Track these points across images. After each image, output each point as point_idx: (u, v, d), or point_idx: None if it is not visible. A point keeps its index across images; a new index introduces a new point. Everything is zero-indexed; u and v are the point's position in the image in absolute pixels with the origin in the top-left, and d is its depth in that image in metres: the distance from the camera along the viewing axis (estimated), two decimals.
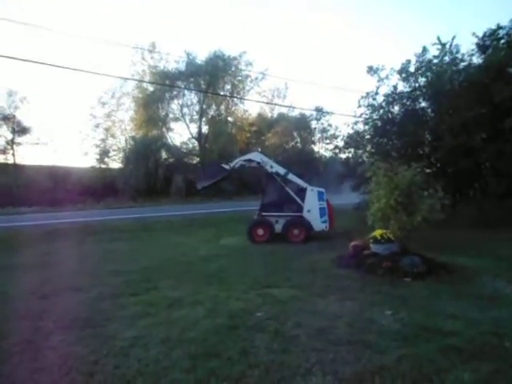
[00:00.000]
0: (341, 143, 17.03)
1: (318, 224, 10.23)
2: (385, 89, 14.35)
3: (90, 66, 41.76)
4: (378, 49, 65.63)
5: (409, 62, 13.79)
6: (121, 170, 31.48)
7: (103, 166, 33.26)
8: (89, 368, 3.32)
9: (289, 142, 42.77)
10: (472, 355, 3.36)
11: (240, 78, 36.00)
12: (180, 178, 29.97)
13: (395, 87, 14.09)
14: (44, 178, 28.26)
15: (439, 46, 13.56)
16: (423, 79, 13.53)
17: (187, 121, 35.50)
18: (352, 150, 15.77)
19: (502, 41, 12.39)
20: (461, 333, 3.84)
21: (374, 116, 14.64)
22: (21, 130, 28.30)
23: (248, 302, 4.99)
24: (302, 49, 69.36)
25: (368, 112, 14.54)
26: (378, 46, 66.92)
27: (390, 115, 14.38)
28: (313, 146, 43.66)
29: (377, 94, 14.32)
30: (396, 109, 14.18)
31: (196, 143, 35.80)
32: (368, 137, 15.17)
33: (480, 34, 12.67)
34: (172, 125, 36.02)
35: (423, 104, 14.09)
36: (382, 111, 14.39)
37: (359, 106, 14.66)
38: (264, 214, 10.46)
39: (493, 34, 12.44)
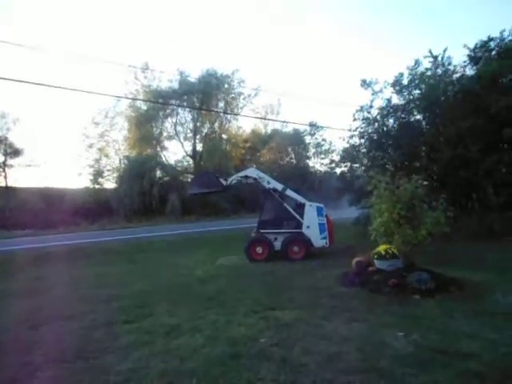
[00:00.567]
0: (336, 157, 16.96)
1: (318, 240, 9.98)
2: (379, 102, 14.37)
3: (82, 86, 41.67)
4: (371, 62, 66.92)
5: (401, 74, 13.84)
6: (115, 189, 31.14)
7: (97, 186, 32.91)
8: None
9: (284, 158, 42.85)
10: (495, 381, 3.11)
11: (233, 95, 36.18)
12: (175, 197, 29.66)
13: (389, 100, 14.10)
14: (37, 199, 27.87)
15: (431, 59, 13.66)
16: (417, 91, 13.54)
17: (181, 139, 35.52)
18: (348, 163, 15.65)
19: (493, 52, 12.47)
20: (479, 355, 3.58)
21: (370, 129, 14.57)
22: (13, 152, 28.03)
23: (250, 326, 4.70)
24: (295, 64, 70.35)
25: (363, 125, 14.48)
26: (370, 59, 68.17)
27: (385, 128, 14.32)
28: (307, 161, 43.74)
29: (371, 107, 14.31)
30: (391, 122, 14.14)
31: (191, 161, 35.68)
32: (364, 150, 15.08)
33: (471, 46, 12.76)
34: (166, 143, 36.00)
35: (418, 116, 14.07)
36: (376, 124, 14.33)
37: (354, 120, 14.64)
38: (262, 231, 10.20)
39: (484, 46, 12.52)
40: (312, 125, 38.13)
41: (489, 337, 4.02)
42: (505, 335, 4.06)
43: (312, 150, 43.27)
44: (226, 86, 35.37)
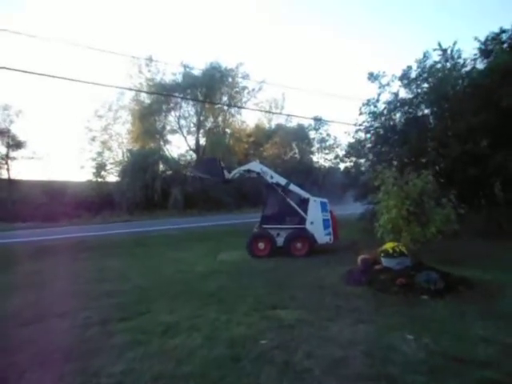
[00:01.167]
0: (341, 153, 16.69)
1: (322, 236, 9.73)
2: (386, 96, 14.05)
3: (86, 78, 41.40)
4: (379, 56, 65.84)
5: (410, 68, 13.50)
6: (117, 183, 30.96)
7: (100, 179, 32.72)
8: None
9: (287, 153, 42.53)
10: None
11: (237, 89, 35.83)
12: (178, 191, 29.47)
13: (396, 94, 13.76)
14: (39, 192, 27.77)
15: (440, 52, 13.29)
16: (425, 85, 13.18)
17: (184, 133, 35.24)
18: (353, 159, 15.37)
19: (505, 45, 12.09)
20: (497, 362, 3.35)
21: (376, 124, 14.26)
22: (16, 145, 27.83)
23: (251, 326, 4.47)
24: (300, 58, 69.63)
25: (369, 120, 14.17)
26: (378, 52, 67.10)
27: (391, 123, 14.01)
28: (311, 156, 43.37)
29: (378, 101, 13.99)
30: (398, 116, 13.81)
31: (194, 155, 35.41)
32: (369, 145, 14.78)
33: (482, 39, 12.39)
34: (169, 137, 35.72)
35: (426, 111, 13.72)
36: (383, 119, 14.02)
37: (360, 114, 14.33)
38: (265, 226, 9.96)
39: (495, 38, 12.14)
40: (317, 119, 37.74)
41: (505, 341, 3.78)
42: None
43: (316, 145, 42.92)
44: (230, 79, 35.03)
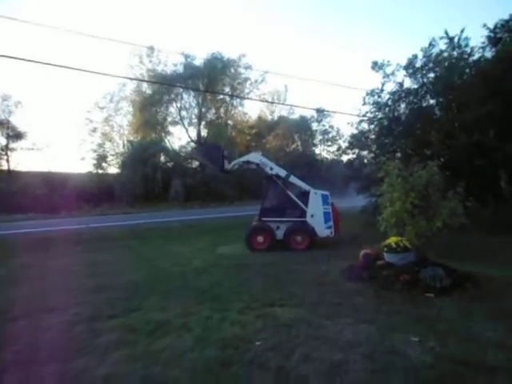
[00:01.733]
0: (344, 144, 16.36)
1: (323, 230, 9.45)
2: (390, 86, 13.68)
3: (87, 68, 40.91)
4: (383, 45, 64.57)
5: (415, 56, 13.09)
6: (118, 174, 30.78)
7: (100, 171, 32.51)
8: None
9: (290, 145, 42.14)
10: None
11: (239, 80, 35.38)
12: (179, 183, 29.24)
13: (401, 84, 13.38)
14: (40, 183, 27.59)
15: (447, 40, 12.87)
16: (431, 75, 12.79)
17: (186, 124, 34.94)
18: (356, 150, 15.03)
19: None
20: (509, 368, 3.07)
21: (380, 115, 13.90)
22: (15, 136, 27.64)
23: (245, 326, 4.22)
24: (303, 48, 68.63)
25: (373, 110, 13.80)
26: (382, 41, 65.90)
27: (395, 113, 13.66)
28: (314, 148, 42.98)
29: (382, 91, 13.62)
30: (402, 107, 13.44)
31: (195, 146, 35.08)
32: (373, 137, 14.44)
33: (491, 26, 11.95)
34: (171, 129, 35.49)
35: (432, 101, 13.34)
36: (387, 109, 13.65)
37: (364, 104, 13.97)
38: (264, 219, 9.68)
39: (505, 26, 11.71)
40: (319, 110, 37.21)
41: None
42: None
43: (319, 137, 42.49)
44: (232, 71, 34.58)
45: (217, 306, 4.95)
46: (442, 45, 12.88)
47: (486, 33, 12.15)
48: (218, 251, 9.77)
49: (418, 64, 13.05)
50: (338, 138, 39.31)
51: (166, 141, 34.67)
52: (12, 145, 27.72)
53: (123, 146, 34.34)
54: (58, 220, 19.59)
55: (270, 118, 43.92)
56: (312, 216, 9.46)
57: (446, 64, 12.39)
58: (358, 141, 14.70)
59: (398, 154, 13.25)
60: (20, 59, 10.54)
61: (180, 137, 36.68)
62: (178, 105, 34.46)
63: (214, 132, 33.73)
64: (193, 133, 35.16)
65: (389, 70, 13.49)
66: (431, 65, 12.81)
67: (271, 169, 9.71)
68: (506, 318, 4.20)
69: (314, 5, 62.37)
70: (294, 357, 3.41)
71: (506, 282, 5.62)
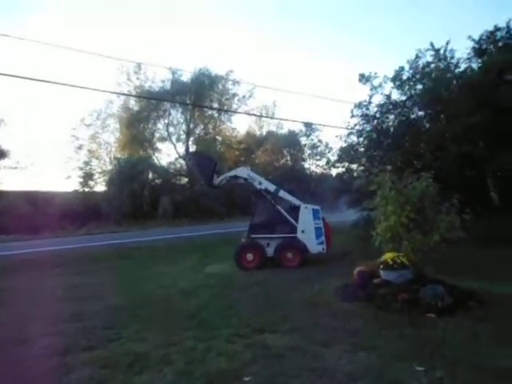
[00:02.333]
0: (333, 158, 16.16)
1: (314, 246, 9.11)
2: (378, 98, 13.55)
3: (72, 85, 40.53)
4: (369, 58, 65.39)
5: (402, 68, 13.02)
6: (105, 192, 30.14)
7: (87, 189, 31.83)
8: None
9: (279, 160, 42.00)
10: None
11: (227, 96, 35.36)
12: (167, 200, 28.70)
13: (389, 96, 13.28)
14: (23, 203, 26.76)
15: (433, 52, 12.89)
16: (419, 86, 12.74)
17: (174, 140, 34.63)
18: (346, 164, 14.81)
19: (500, 43, 11.71)
20: None
21: (368, 127, 13.76)
22: None
23: (233, 357, 3.82)
24: (291, 63, 69.33)
25: (362, 122, 13.66)
26: (368, 54, 66.77)
27: (384, 126, 13.53)
28: (303, 162, 42.90)
29: (370, 103, 13.47)
30: (391, 118, 13.32)
31: (184, 163, 34.74)
32: (362, 149, 14.26)
33: (476, 38, 12.00)
34: (159, 145, 35.10)
35: (420, 113, 13.26)
36: (375, 122, 13.51)
37: (352, 116, 13.78)
38: (253, 236, 9.31)
39: (490, 37, 11.76)
40: (307, 125, 37.27)
41: None
42: None
43: (308, 152, 42.47)
44: (220, 86, 34.57)
45: (202, 334, 4.55)
46: (428, 57, 12.89)
47: (471, 44, 12.20)
48: (206, 270, 9.35)
49: (405, 76, 13.00)
50: (326, 151, 39.31)
51: (154, 157, 34.28)
52: None
53: (110, 163, 33.81)
54: (40, 241, 18.91)
55: (258, 133, 43.87)
56: (303, 231, 9.13)
57: (433, 75, 12.35)
58: (346, 154, 14.48)
59: (389, 167, 13.06)
60: (2, 74, 10.15)
61: (168, 153, 36.17)
62: (166, 121, 34.24)
63: (202, 147, 33.40)
64: (181, 149, 34.90)
65: (376, 82, 13.40)
66: (418, 76, 12.77)
67: (260, 183, 9.40)
68: None
69: (301, 18, 63.27)
70: None
71: (511, 300, 5.31)
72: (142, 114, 32.44)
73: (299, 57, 68.63)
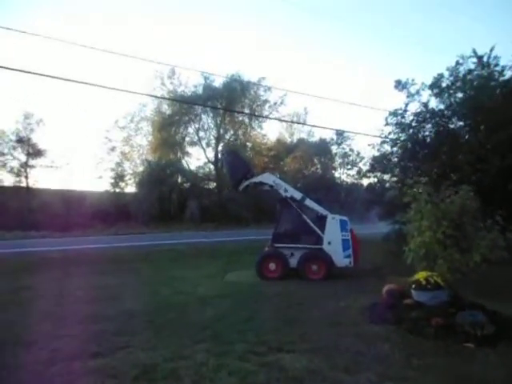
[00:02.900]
0: (364, 167, 15.61)
1: (341, 259, 8.66)
2: (415, 106, 12.96)
3: (109, 87, 41.73)
4: (407, 64, 63.48)
5: (441, 75, 12.40)
6: (134, 194, 30.63)
7: (118, 190, 32.47)
8: None
9: (309, 168, 41.41)
10: None
11: (259, 103, 35.30)
12: (194, 204, 28.81)
13: (426, 104, 12.66)
14: (57, 201, 27.61)
15: (475, 59, 12.20)
16: (459, 95, 12.07)
17: (204, 145, 34.79)
18: (378, 174, 14.25)
19: None
20: None
21: (403, 136, 13.17)
22: (35, 153, 27.88)
23: (246, 377, 3.50)
24: (325, 70, 68.48)
25: (396, 131, 13.09)
26: (406, 60, 64.92)
27: (420, 136, 12.91)
28: (333, 171, 42.11)
29: (406, 111, 12.91)
30: (428, 127, 12.69)
31: (213, 167, 34.88)
32: (396, 159, 13.67)
33: None
34: (189, 149, 35.35)
35: (460, 122, 12.55)
36: (411, 131, 12.92)
37: (386, 124, 13.24)
38: (277, 245, 8.98)
39: None
40: (339, 132, 36.60)
41: None
42: None
43: (338, 161, 41.68)
44: (252, 93, 34.57)
45: (215, 348, 4.26)
46: (470, 64, 12.22)
47: None
48: (228, 278, 9.10)
49: (445, 83, 12.37)
50: (358, 160, 38.43)
51: (184, 161, 34.57)
52: (31, 162, 27.92)
53: (142, 165, 34.39)
54: (70, 239, 19.31)
55: (289, 140, 43.52)
56: (329, 243, 8.71)
57: (475, 83, 11.68)
58: (379, 163, 13.94)
59: (423, 179, 12.43)
60: (41, 75, 10.30)
61: (198, 157, 36.40)
62: (197, 125, 34.48)
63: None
64: (211, 154, 35.04)
65: (413, 90, 12.84)
66: (458, 84, 12.11)
67: (285, 190, 9.07)
68: None
69: (336, 23, 62.67)
70: None
71: None
72: (174, 118, 32.83)
73: (334, 63, 67.74)
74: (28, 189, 27.56)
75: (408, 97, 12.77)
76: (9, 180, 27.52)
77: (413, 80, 12.88)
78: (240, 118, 35.66)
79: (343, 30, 66.40)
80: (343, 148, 40.30)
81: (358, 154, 37.62)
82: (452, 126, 12.86)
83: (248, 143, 36.95)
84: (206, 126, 34.83)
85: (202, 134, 34.66)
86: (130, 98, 53.84)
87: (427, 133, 12.98)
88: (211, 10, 58.26)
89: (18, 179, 27.58)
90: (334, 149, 40.89)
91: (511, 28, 57.05)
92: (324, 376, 3.52)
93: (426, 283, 5.10)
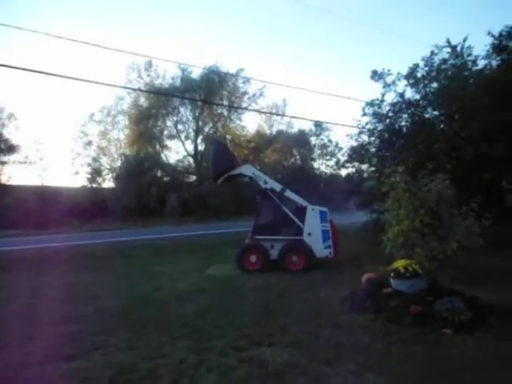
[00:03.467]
0: (342, 158, 15.72)
1: (321, 249, 8.69)
2: (391, 96, 13.03)
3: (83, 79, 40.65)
4: (383, 54, 63.78)
5: (416, 66, 12.47)
6: (112, 189, 30.03)
7: (95, 185, 31.76)
8: None
9: (288, 159, 41.53)
10: None
11: (237, 94, 35.00)
12: (174, 198, 28.43)
13: (402, 94, 12.75)
14: (32, 198, 26.79)
15: (449, 49, 12.34)
16: (434, 85, 12.20)
17: (183, 138, 34.36)
18: (356, 164, 14.34)
19: None
20: None
21: (380, 127, 13.26)
22: (7, 149, 26.96)
23: (225, 374, 3.44)
24: (301, 61, 68.15)
25: (373, 121, 13.17)
26: (382, 50, 65.13)
27: (396, 126, 13.02)
28: (313, 162, 42.36)
29: (382, 101, 12.96)
30: (404, 117, 12.80)
31: (192, 161, 34.51)
32: (373, 149, 13.77)
33: (496, 33, 11.40)
34: (167, 142, 34.86)
35: (435, 112, 12.72)
36: (388, 121, 13.01)
37: (364, 115, 13.28)
38: (257, 237, 8.93)
39: (510, 33, 11.15)
40: (317, 124, 36.78)
41: None
42: None
43: (317, 152, 41.92)
44: (231, 84, 34.25)
45: (195, 344, 4.19)
46: (444, 54, 12.35)
47: (490, 40, 11.60)
48: (208, 272, 9.01)
49: (420, 74, 12.47)
50: (336, 151, 38.73)
51: (163, 155, 34.08)
52: (3, 158, 27.03)
53: (119, 159, 33.70)
54: (46, 236, 18.76)
55: (268, 132, 43.44)
56: (309, 234, 8.72)
57: (449, 73, 11.83)
58: (357, 154, 14.01)
59: (400, 168, 12.57)
60: (10, 67, 9.77)
61: (177, 151, 35.88)
62: (175, 118, 33.98)
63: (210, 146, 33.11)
64: (190, 147, 34.65)
65: (389, 80, 12.87)
66: (433, 74, 12.23)
67: (265, 182, 9.00)
68: None
69: (311, 13, 62.39)
70: None
71: None
72: (152, 111, 32.26)
73: (312, 54, 67.49)
74: (1, 186, 26.63)
75: (384, 87, 12.83)
76: None
77: (389, 70, 12.93)
78: (219, 111, 35.33)
79: (321, 20, 66.22)
80: (322, 139, 40.56)
81: (337, 144, 37.94)
82: (427, 116, 12.99)
83: (227, 135, 36.65)
84: (184, 119, 34.41)
85: (180, 126, 34.27)
86: (106, 90, 52.75)
87: (403, 123, 13.09)
88: (188, 0, 57.15)
89: None
90: (313, 140, 41.12)
91: (484, 18, 58.06)
92: (305, 369, 3.49)
93: (404, 271, 5.14)
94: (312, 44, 66.60)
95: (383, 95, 12.99)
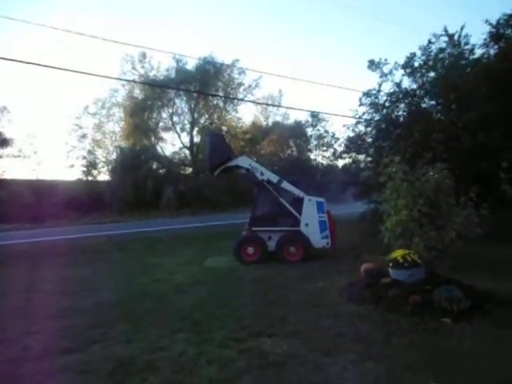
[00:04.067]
0: (339, 148, 15.68)
1: (318, 240, 8.68)
2: (388, 86, 12.95)
3: (77, 71, 40.22)
4: (380, 43, 63.36)
5: (414, 55, 12.38)
6: (108, 182, 29.87)
7: (90, 178, 31.56)
8: None
9: (284, 151, 41.40)
10: None
11: (233, 86, 34.74)
12: (171, 190, 28.32)
13: (399, 84, 12.68)
14: (27, 192, 26.59)
15: (446, 38, 12.25)
16: (431, 74, 12.14)
17: (178, 130, 34.10)
18: (353, 154, 14.31)
19: None
20: None
21: (377, 117, 13.21)
22: (1, 142, 26.65)
23: (225, 365, 3.43)
24: (298, 51, 67.65)
25: (370, 111, 13.11)
26: (379, 40, 64.63)
27: (393, 116, 12.97)
28: (309, 153, 42.29)
29: (379, 91, 12.89)
30: (402, 107, 12.75)
31: (188, 153, 34.33)
32: (370, 140, 13.73)
33: (494, 22, 11.32)
34: (163, 135, 34.61)
35: (432, 102, 12.68)
36: (385, 111, 12.95)
37: (361, 105, 13.22)
38: (255, 228, 8.90)
39: (508, 21, 11.08)
40: (314, 114, 36.65)
41: None
42: None
43: (314, 143, 41.82)
44: (226, 76, 33.96)
45: (194, 337, 4.18)
46: (441, 43, 12.25)
47: (487, 29, 11.52)
48: (206, 264, 8.98)
49: (417, 63, 12.39)
50: (333, 142, 38.67)
51: (158, 147, 33.87)
52: None
53: (115, 152, 33.46)
54: (41, 230, 18.68)
55: (264, 123, 43.25)
56: (306, 225, 8.70)
57: (446, 62, 11.76)
58: (354, 144, 13.97)
59: (397, 158, 12.55)
60: (5, 59, 9.64)
61: (173, 143, 35.66)
62: (170, 110, 33.70)
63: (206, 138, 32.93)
64: (186, 139, 34.43)
65: (386, 69, 12.76)
66: (430, 63, 12.15)
67: (262, 174, 8.95)
68: None
69: (309, 5, 61.72)
70: None
71: None
72: (147, 103, 31.94)
73: (308, 44, 66.87)
74: None
75: (381, 77, 12.74)
76: None
77: (385, 60, 12.84)
78: (214, 102, 35.06)
79: (317, 10, 65.56)
80: (318, 130, 40.43)
81: (333, 135, 37.76)
82: (424, 106, 12.95)
83: (223, 127, 36.44)
84: (179, 111, 34.10)
85: (176, 118, 33.97)
86: (100, 83, 52.26)
87: (400, 112, 13.03)
88: None
89: None
90: (310, 131, 40.99)
91: (483, 6, 57.59)
92: (305, 360, 3.49)
93: (402, 261, 5.14)
94: (308, 33, 66.00)
95: (380, 85, 12.90)
